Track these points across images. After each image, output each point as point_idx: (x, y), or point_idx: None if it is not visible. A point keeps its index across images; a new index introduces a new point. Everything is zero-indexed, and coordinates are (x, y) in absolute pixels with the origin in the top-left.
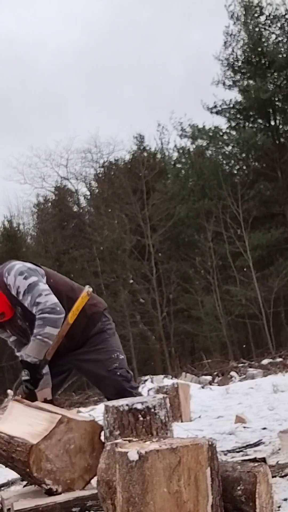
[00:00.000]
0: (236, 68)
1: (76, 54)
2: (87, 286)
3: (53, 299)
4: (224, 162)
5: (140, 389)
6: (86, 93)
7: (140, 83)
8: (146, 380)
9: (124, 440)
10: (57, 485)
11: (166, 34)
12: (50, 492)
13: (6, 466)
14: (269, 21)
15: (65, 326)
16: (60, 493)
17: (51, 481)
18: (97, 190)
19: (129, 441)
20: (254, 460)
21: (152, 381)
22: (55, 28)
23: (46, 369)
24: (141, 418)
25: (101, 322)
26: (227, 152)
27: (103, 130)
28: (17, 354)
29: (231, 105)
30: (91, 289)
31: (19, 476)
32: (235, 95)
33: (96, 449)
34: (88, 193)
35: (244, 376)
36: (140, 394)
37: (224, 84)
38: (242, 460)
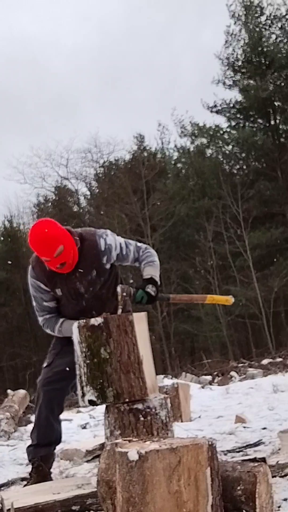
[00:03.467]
0: (236, 67)
1: (89, 54)
2: (230, 296)
3: None
4: (224, 161)
5: None
6: (98, 93)
7: (151, 84)
8: None
9: (124, 440)
10: None
11: (179, 35)
12: None
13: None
14: (269, 21)
15: (201, 298)
16: None
17: None
18: (97, 190)
19: (129, 441)
20: (254, 460)
21: None
22: (68, 27)
23: None
24: (142, 418)
25: None
26: (227, 152)
27: (108, 130)
28: (47, 331)
29: (231, 105)
30: (233, 300)
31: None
32: (235, 95)
33: None
34: (88, 193)
35: (244, 376)
36: None
37: (224, 83)
38: (242, 460)
